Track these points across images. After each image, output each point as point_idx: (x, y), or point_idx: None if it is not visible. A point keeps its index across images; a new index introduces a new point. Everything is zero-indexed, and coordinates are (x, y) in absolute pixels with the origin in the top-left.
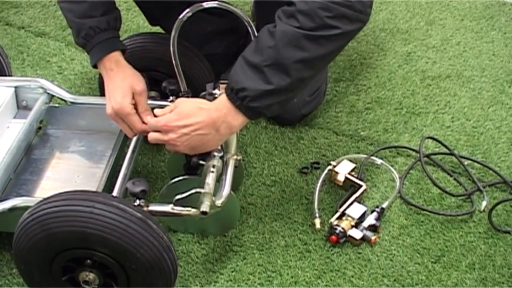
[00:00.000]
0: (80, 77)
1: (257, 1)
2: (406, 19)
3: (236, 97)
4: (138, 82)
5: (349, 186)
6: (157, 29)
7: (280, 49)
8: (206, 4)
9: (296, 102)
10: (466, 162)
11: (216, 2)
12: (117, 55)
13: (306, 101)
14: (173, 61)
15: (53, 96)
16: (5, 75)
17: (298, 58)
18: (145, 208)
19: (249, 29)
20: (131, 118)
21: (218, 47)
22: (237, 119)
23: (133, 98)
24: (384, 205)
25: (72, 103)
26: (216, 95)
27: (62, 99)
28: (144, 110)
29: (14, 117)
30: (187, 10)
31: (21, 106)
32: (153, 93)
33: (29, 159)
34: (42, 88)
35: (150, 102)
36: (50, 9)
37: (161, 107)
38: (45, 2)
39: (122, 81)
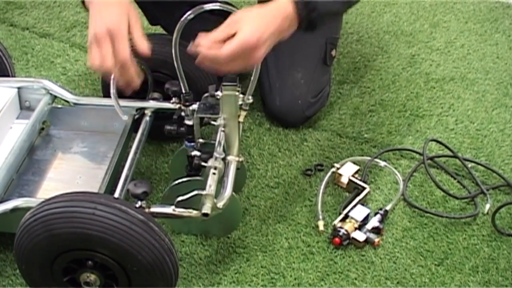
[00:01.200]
0: (85, 78)
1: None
2: (410, 22)
3: (305, 7)
4: (132, 7)
5: (353, 188)
6: (160, 30)
7: None
8: (208, 6)
9: (300, 103)
10: (469, 165)
11: (218, 4)
12: None
13: (310, 103)
14: (175, 63)
15: (56, 97)
16: (9, 76)
17: None
18: (146, 210)
19: None
20: (124, 41)
21: None
22: (292, 28)
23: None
24: (387, 208)
25: (75, 104)
26: (218, 97)
27: (65, 100)
28: (141, 35)
29: (17, 118)
30: (189, 12)
31: (24, 107)
32: (156, 95)
33: (31, 160)
34: (45, 89)
35: (152, 103)
36: (55, 10)
37: (165, 109)
38: (50, 3)
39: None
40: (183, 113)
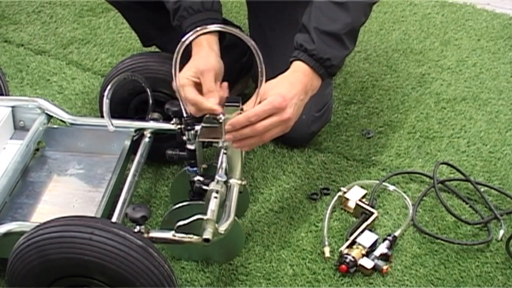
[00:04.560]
0: (81, 97)
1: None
2: (420, 39)
3: (321, 66)
4: (205, 61)
5: (360, 213)
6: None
7: (356, 18)
8: (209, 28)
9: (305, 119)
10: (482, 189)
11: (219, 26)
12: (201, 38)
13: (315, 117)
14: (175, 84)
15: (51, 116)
16: (2, 94)
17: (362, 22)
18: (145, 235)
19: (254, 51)
20: (184, 89)
21: None
22: (318, 83)
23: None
24: (396, 233)
25: (71, 124)
26: (220, 120)
27: (61, 120)
28: (207, 91)
29: (11, 138)
30: (190, 34)
31: (18, 127)
32: (155, 115)
33: (25, 182)
34: (40, 108)
35: (152, 124)
36: (51, 26)
37: (165, 130)
38: (46, 19)
39: (191, 60)
40: (184, 137)
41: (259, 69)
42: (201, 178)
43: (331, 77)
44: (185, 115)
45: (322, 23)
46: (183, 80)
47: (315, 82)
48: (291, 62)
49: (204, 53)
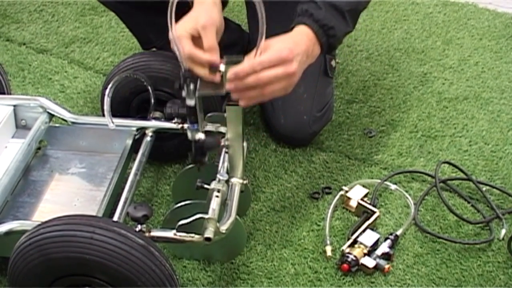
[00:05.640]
0: (83, 96)
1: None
2: (422, 39)
3: (325, 33)
4: (208, 14)
5: (362, 212)
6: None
7: None
8: None
9: (306, 119)
10: (484, 188)
11: None
12: None
13: (316, 117)
14: (171, 35)
15: (53, 115)
16: (4, 93)
17: (364, 5)
18: (147, 234)
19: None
20: (182, 41)
21: None
22: (318, 51)
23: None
24: (398, 233)
25: (73, 123)
26: (222, 70)
27: (62, 119)
28: (208, 48)
29: (13, 137)
30: None
31: (20, 126)
32: (157, 114)
33: (27, 181)
34: (41, 107)
35: (154, 123)
36: (53, 25)
37: (166, 129)
38: (47, 17)
39: (192, 11)
40: (184, 93)
41: (260, 21)
42: (202, 136)
43: (329, 51)
44: (183, 70)
45: None
46: (180, 31)
47: (316, 50)
48: (292, 28)
49: (207, 6)
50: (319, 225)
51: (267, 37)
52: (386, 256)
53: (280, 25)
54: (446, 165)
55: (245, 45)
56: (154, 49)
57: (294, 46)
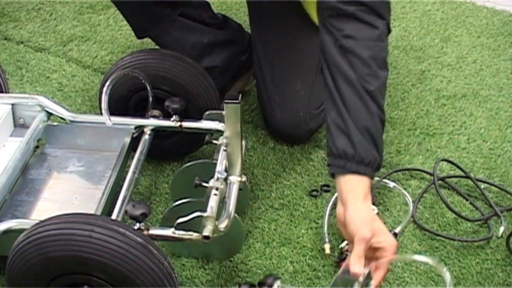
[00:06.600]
0: (81, 95)
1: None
2: (420, 36)
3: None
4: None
5: None
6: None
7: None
8: None
9: (302, 115)
10: (482, 186)
11: None
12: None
13: (313, 115)
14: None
15: (51, 114)
16: (2, 92)
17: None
18: (145, 232)
19: None
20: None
21: (216, 60)
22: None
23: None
24: (396, 230)
25: (71, 121)
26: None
27: (60, 117)
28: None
29: (11, 135)
30: None
31: (18, 124)
32: (155, 112)
33: (25, 179)
34: (40, 105)
35: (152, 121)
36: (51, 24)
37: (164, 127)
38: (45, 16)
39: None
40: None
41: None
42: None
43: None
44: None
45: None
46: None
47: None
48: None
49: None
50: (317, 223)
51: (266, 37)
52: None
53: (280, 23)
54: (445, 162)
55: (245, 44)
56: (148, 38)
57: (384, 231)
